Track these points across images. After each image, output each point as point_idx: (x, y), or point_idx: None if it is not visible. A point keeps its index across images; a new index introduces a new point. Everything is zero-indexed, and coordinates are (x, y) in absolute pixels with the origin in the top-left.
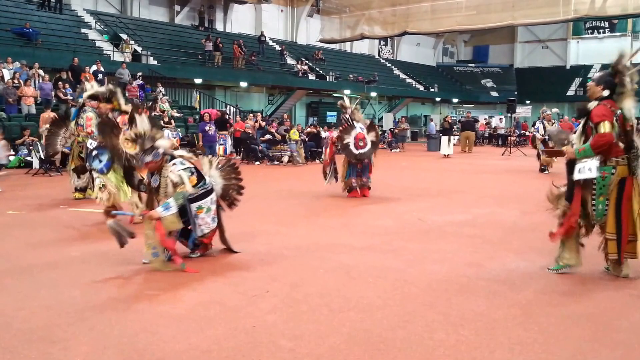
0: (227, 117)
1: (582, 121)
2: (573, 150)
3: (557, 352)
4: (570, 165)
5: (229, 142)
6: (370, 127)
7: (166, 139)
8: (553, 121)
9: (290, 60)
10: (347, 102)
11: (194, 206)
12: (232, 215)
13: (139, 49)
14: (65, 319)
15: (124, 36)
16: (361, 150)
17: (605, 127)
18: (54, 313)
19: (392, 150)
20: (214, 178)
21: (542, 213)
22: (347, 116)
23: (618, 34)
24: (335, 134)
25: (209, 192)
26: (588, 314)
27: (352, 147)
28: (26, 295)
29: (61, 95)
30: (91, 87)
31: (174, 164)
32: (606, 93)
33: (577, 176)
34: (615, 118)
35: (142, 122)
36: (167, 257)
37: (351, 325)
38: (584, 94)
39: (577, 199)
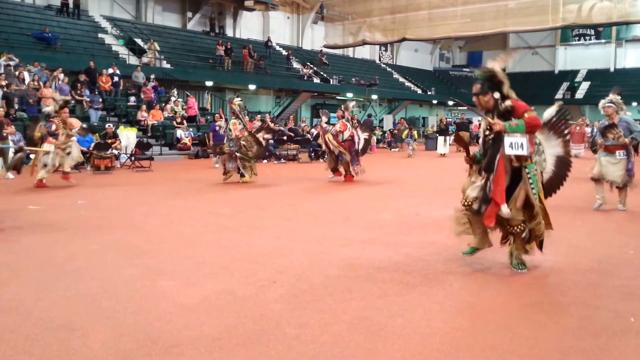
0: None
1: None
2: (504, 124)
3: (545, 340)
4: (497, 139)
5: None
6: (364, 129)
7: None
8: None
9: (296, 65)
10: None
11: None
12: (241, 210)
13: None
14: (84, 308)
15: (139, 40)
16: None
17: (534, 113)
18: (73, 303)
19: (392, 150)
20: None
21: None
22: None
23: (603, 40)
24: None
25: None
26: (574, 303)
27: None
28: (46, 286)
29: (76, 96)
30: None
31: None
32: (498, 95)
33: (508, 151)
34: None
35: None
36: None
37: (353, 313)
38: (572, 97)
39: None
